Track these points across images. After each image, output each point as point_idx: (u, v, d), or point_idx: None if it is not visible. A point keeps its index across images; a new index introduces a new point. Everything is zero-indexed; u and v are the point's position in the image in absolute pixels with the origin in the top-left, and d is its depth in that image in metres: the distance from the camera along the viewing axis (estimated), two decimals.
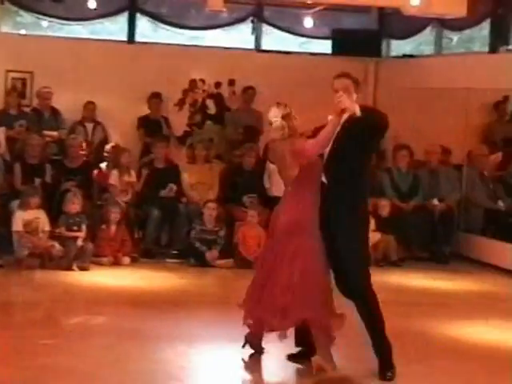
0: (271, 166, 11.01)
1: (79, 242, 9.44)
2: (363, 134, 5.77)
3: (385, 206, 10.71)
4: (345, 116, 5.87)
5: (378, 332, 5.94)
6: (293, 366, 6.11)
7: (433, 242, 10.83)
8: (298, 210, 5.92)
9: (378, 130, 5.86)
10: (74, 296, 8.34)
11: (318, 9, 12.00)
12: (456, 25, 11.72)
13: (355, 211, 5.97)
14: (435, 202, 10.88)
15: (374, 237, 9.75)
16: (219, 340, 6.80)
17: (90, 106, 11.71)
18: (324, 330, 5.89)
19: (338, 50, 12.54)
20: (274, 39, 12.97)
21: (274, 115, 6.10)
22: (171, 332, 6.99)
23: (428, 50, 12.86)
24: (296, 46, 13.14)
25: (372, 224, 9.14)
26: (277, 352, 6.34)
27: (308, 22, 12.38)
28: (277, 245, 6.01)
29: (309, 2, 11.62)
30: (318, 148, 5.82)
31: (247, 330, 6.25)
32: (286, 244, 5.93)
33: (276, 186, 10.82)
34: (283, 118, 6.06)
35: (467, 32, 12.21)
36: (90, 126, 11.68)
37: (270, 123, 6.13)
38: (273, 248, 6.07)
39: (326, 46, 12.77)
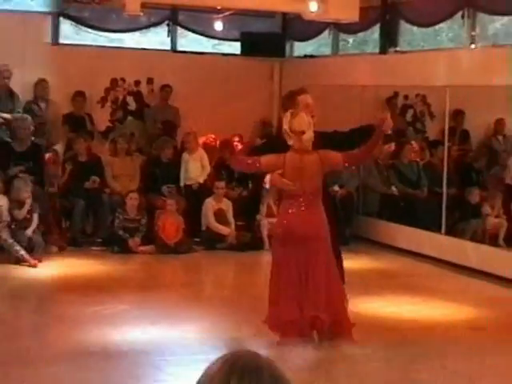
0: (185, 158, 10.92)
1: None
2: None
3: None
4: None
5: None
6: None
7: None
8: (321, 216, 5.70)
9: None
10: (2, 284, 8.09)
11: (227, 13, 11.92)
12: (351, 28, 11.81)
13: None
14: (336, 188, 10.95)
15: None
16: (142, 322, 6.71)
17: (43, 84, 10.95)
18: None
19: (246, 51, 12.51)
20: (189, 41, 12.83)
21: (306, 125, 5.39)
22: (96, 315, 6.87)
23: (326, 50, 12.92)
24: (209, 47, 13.03)
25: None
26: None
27: (219, 26, 12.29)
28: (316, 251, 5.72)
29: (219, 8, 11.55)
30: (369, 157, 5.89)
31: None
32: (321, 248, 5.76)
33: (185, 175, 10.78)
34: (310, 127, 5.45)
35: (361, 35, 12.32)
36: (43, 104, 11.10)
37: (302, 132, 5.40)
38: (300, 254, 5.70)
39: (235, 48, 12.71)
